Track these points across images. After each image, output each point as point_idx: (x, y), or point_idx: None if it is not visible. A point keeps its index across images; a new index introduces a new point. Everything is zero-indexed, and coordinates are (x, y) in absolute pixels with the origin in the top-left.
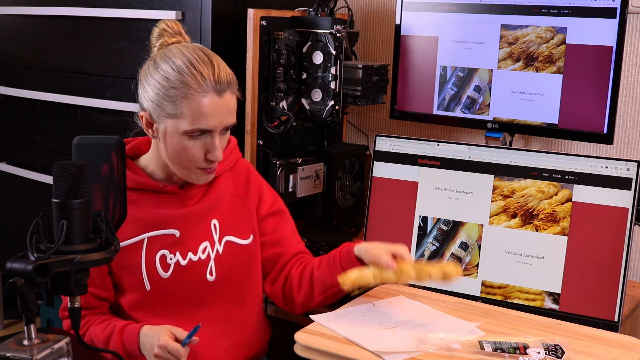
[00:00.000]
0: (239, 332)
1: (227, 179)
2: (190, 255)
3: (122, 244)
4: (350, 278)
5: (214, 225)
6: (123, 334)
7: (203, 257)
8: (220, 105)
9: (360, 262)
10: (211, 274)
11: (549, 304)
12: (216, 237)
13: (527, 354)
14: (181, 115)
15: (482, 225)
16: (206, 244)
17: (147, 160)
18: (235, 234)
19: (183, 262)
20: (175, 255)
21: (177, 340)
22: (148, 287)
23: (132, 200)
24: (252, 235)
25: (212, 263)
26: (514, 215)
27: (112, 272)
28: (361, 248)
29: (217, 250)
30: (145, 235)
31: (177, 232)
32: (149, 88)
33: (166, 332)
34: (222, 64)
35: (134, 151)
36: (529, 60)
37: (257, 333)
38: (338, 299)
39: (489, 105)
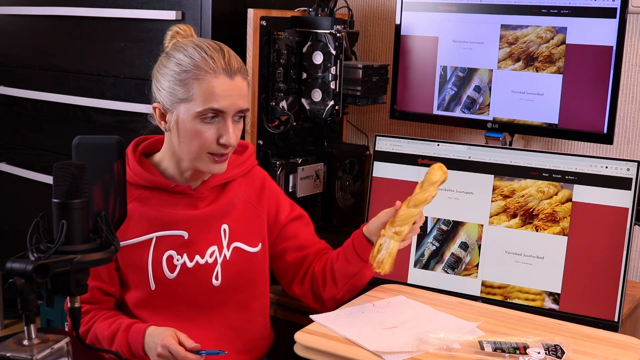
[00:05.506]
0: (240, 338)
1: (240, 185)
2: (197, 258)
3: (131, 241)
4: (375, 259)
5: (224, 230)
6: (128, 333)
7: (210, 261)
8: (231, 87)
9: (371, 242)
10: (217, 278)
11: (549, 304)
12: (225, 242)
13: (527, 354)
14: (193, 97)
15: (482, 225)
16: (214, 248)
17: (161, 156)
18: (244, 240)
19: (189, 265)
20: (182, 257)
21: (180, 344)
22: (153, 286)
23: (143, 198)
24: (260, 244)
25: (218, 268)
26: (514, 215)
27: (119, 268)
28: (366, 227)
29: (225, 255)
30: (154, 235)
31: (185, 234)
32: (162, 78)
33: (170, 334)
34: (232, 52)
35: (149, 148)
36: (529, 60)
37: (259, 340)
38: (362, 287)
39: (489, 105)
